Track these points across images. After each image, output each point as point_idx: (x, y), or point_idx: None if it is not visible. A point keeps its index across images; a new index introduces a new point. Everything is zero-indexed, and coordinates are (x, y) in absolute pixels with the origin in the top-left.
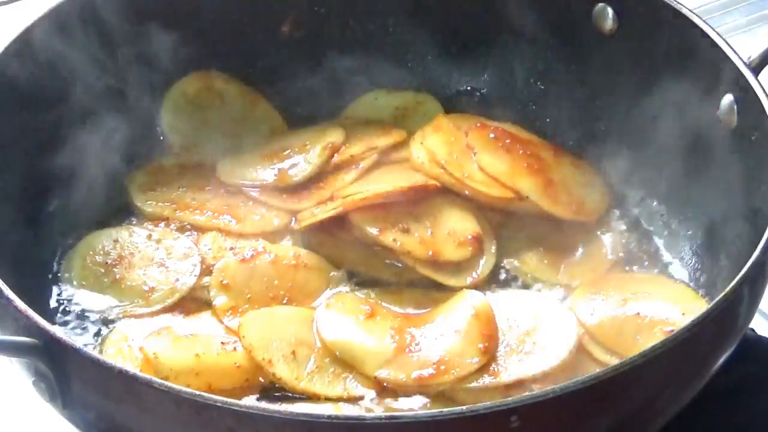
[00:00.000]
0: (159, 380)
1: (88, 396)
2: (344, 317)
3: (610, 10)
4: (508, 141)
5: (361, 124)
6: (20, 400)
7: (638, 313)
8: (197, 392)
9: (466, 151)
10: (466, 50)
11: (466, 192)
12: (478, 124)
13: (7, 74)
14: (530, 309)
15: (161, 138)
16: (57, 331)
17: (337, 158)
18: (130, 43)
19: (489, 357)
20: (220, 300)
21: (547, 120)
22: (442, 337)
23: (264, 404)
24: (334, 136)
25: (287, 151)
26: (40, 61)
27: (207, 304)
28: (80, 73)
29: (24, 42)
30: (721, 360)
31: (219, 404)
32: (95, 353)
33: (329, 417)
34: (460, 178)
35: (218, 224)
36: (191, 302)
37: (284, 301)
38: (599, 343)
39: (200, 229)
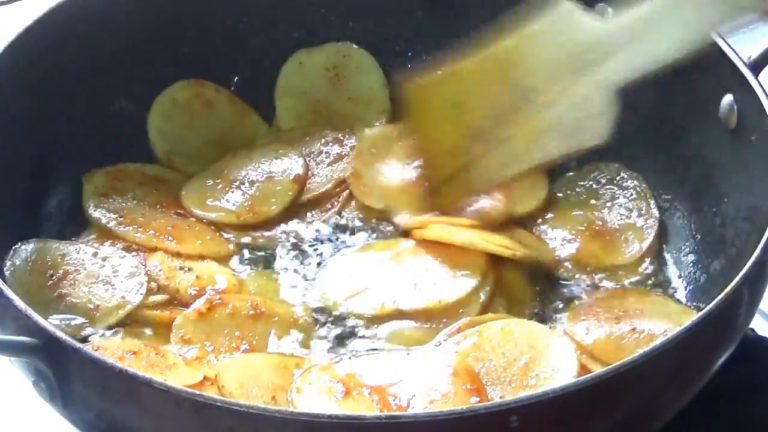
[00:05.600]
0: (159, 380)
1: (88, 396)
2: (321, 397)
3: (610, 11)
4: None
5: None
6: (20, 400)
7: (634, 328)
8: (197, 392)
9: None
10: None
11: None
12: None
13: (7, 74)
14: (523, 339)
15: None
16: (57, 330)
17: (305, 195)
18: (127, 45)
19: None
20: (191, 353)
21: None
22: (431, 405)
23: (264, 404)
24: (297, 166)
25: (254, 181)
26: (39, 61)
27: (150, 324)
28: (80, 73)
29: (24, 42)
30: (721, 360)
31: (219, 404)
32: (96, 353)
33: (329, 417)
34: None
35: (157, 244)
36: (136, 322)
37: (247, 348)
38: (600, 361)
39: (142, 248)
